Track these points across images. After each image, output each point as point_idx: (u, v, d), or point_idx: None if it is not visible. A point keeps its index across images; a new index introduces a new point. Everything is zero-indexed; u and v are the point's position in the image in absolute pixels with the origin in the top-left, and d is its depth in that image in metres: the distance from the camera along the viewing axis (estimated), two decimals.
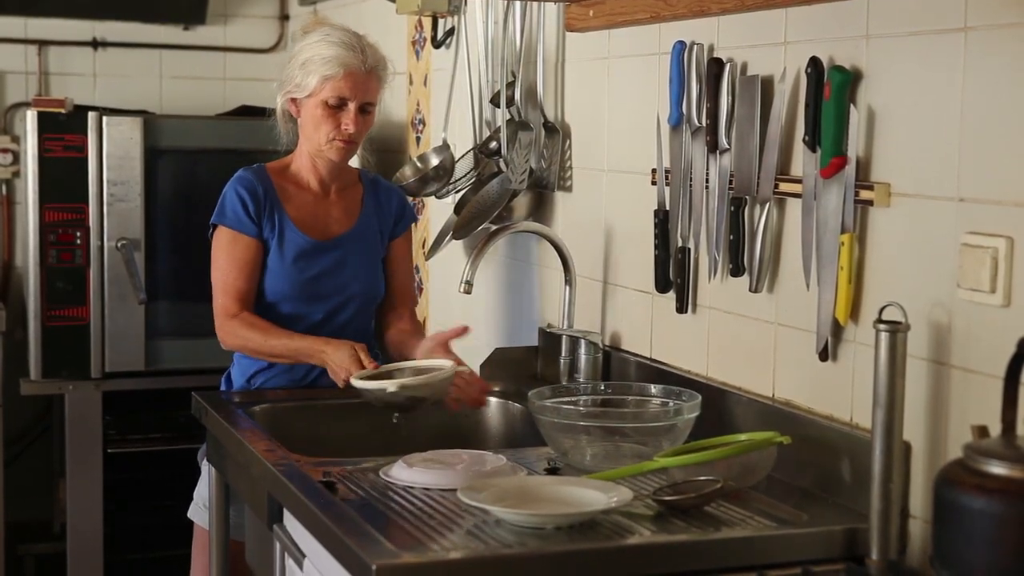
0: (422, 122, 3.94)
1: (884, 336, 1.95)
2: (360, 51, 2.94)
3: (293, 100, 2.99)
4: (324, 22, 3.07)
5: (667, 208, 2.64)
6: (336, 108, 2.93)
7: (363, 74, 2.93)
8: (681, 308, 2.61)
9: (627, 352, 2.85)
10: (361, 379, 2.68)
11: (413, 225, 3.26)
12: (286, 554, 2.35)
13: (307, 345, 2.88)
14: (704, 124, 2.50)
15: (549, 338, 3.09)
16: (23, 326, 4.35)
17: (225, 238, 2.97)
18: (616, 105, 2.90)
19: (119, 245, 4.16)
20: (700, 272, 2.58)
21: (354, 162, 3.24)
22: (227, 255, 2.96)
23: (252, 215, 2.96)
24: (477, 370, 2.95)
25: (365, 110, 2.96)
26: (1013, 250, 1.87)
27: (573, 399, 2.54)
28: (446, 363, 2.73)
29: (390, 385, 2.64)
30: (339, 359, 2.79)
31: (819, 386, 2.27)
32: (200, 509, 3.04)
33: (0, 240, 4.78)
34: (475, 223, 3.26)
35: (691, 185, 2.56)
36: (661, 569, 1.96)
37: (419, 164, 3.52)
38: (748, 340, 2.45)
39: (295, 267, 2.98)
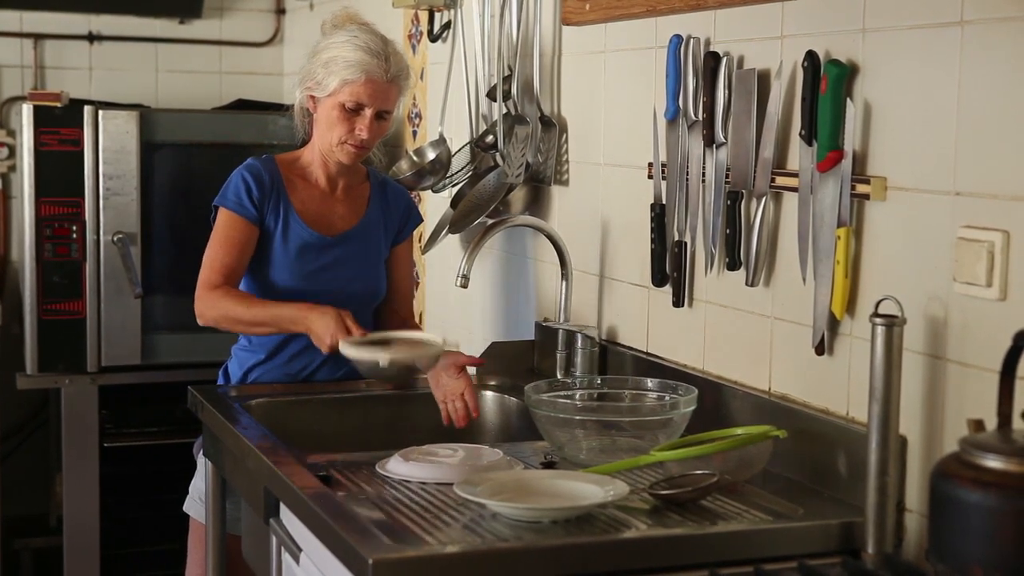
0: (419, 116, 3.94)
1: (880, 330, 1.96)
2: (384, 59, 2.92)
3: (311, 97, 2.98)
4: (354, 19, 3.04)
5: (663, 202, 2.64)
6: (352, 112, 2.92)
7: (384, 83, 2.92)
8: (677, 302, 2.61)
9: (623, 346, 2.85)
10: (350, 346, 2.71)
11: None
12: (282, 548, 2.36)
13: (290, 312, 2.85)
14: (700, 118, 2.50)
15: (545, 332, 3.09)
16: (19, 320, 4.35)
17: (223, 219, 2.97)
18: (612, 99, 2.90)
19: (115, 239, 4.16)
20: (696, 266, 2.58)
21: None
22: (222, 234, 2.96)
23: (255, 200, 2.96)
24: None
25: (381, 116, 2.95)
26: (1009, 244, 1.87)
27: (569, 393, 2.55)
28: (435, 338, 2.79)
29: (383, 359, 2.67)
30: (324, 325, 2.77)
31: (815, 380, 2.27)
32: (196, 503, 3.04)
33: None
34: (472, 217, 3.26)
35: (688, 179, 2.56)
36: (657, 563, 1.96)
37: (415, 158, 3.52)
38: (744, 334, 2.45)
39: (299, 260, 2.97)
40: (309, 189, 3.04)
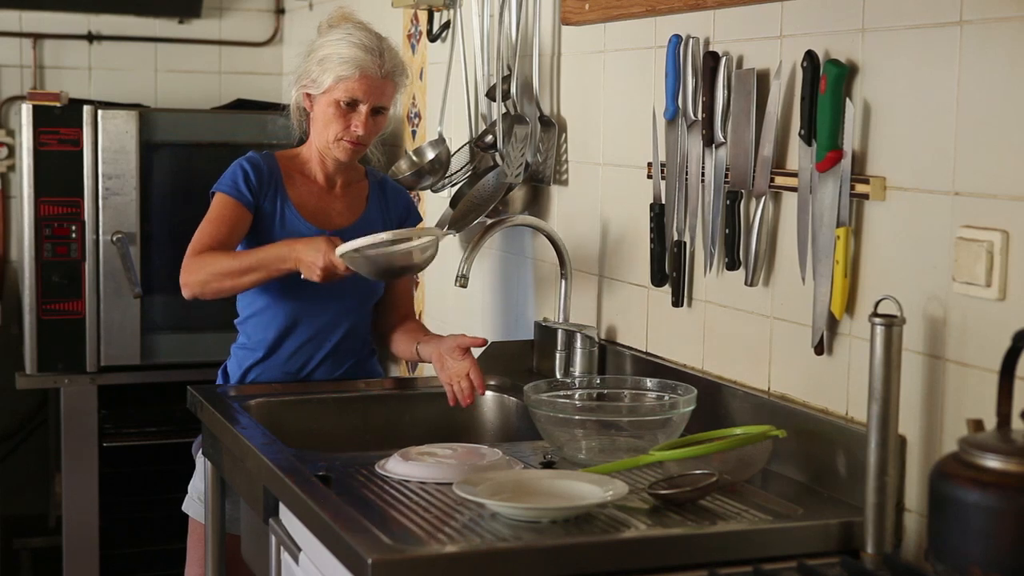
0: (418, 116, 3.94)
1: (879, 330, 1.95)
2: (379, 55, 2.92)
3: (307, 95, 2.99)
4: (349, 18, 3.04)
5: (663, 202, 2.64)
6: (348, 108, 2.93)
7: (379, 78, 2.92)
8: (677, 302, 2.61)
9: (623, 346, 2.85)
10: (347, 244, 2.72)
11: None
12: (282, 548, 2.36)
13: (276, 250, 2.85)
14: (700, 118, 2.50)
15: (545, 332, 3.09)
16: (19, 320, 4.35)
17: (217, 201, 2.98)
18: (612, 99, 2.90)
19: (115, 239, 4.16)
20: (696, 266, 2.58)
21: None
22: (213, 214, 2.96)
23: (252, 188, 2.96)
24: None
25: (377, 112, 2.96)
26: (1008, 244, 1.87)
27: (569, 393, 2.54)
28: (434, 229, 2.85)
29: (386, 235, 2.69)
30: (314, 249, 2.77)
31: (815, 380, 2.27)
32: (195, 502, 3.04)
33: None
34: (471, 217, 3.26)
35: (687, 179, 2.56)
36: (656, 563, 1.96)
37: (415, 158, 3.52)
38: (744, 334, 2.45)
39: None
40: (308, 185, 3.05)
